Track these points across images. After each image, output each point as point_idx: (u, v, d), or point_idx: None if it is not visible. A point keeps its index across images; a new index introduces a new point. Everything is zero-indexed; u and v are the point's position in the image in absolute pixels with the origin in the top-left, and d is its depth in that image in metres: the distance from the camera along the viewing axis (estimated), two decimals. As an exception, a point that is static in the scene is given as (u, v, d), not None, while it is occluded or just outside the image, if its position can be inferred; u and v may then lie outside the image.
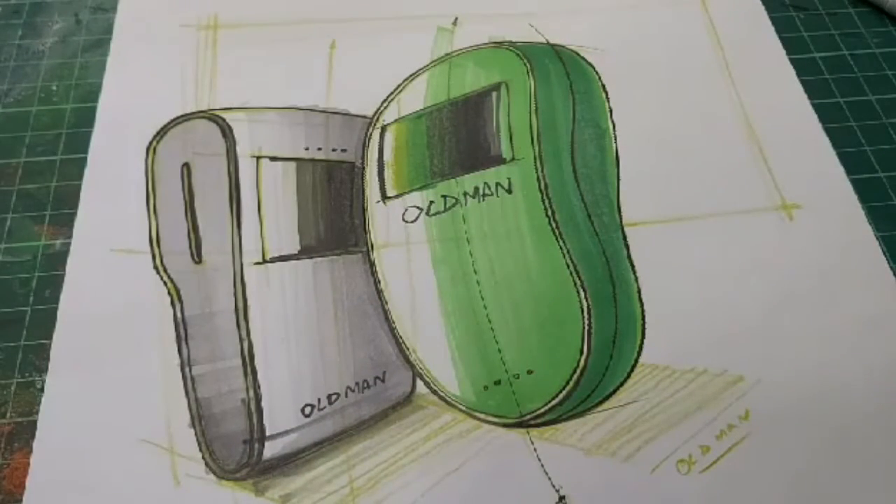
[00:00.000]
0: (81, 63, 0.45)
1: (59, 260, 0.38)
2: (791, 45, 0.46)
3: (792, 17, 0.48)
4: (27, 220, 0.39)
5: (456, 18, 0.46)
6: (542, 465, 0.32)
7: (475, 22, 0.46)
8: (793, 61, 0.45)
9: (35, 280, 0.37)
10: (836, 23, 0.48)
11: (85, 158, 0.40)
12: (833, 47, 0.47)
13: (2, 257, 0.38)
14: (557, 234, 0.37)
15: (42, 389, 0.34)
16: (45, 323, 0.36)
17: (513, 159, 0.38)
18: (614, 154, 0.41)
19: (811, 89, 0.44)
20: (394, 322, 0.36)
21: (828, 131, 0.42)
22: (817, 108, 0.43)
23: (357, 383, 0.35)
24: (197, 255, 0.36)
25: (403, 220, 0.39)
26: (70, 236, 0.38)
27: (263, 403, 0.34)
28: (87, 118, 0.42)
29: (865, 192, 0.40)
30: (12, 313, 0.37)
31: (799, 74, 0.44)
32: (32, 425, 0.33)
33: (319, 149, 0.40)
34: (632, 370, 0.35)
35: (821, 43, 0.47)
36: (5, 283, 0.38)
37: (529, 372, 0.35)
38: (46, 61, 0.46)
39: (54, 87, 0.44)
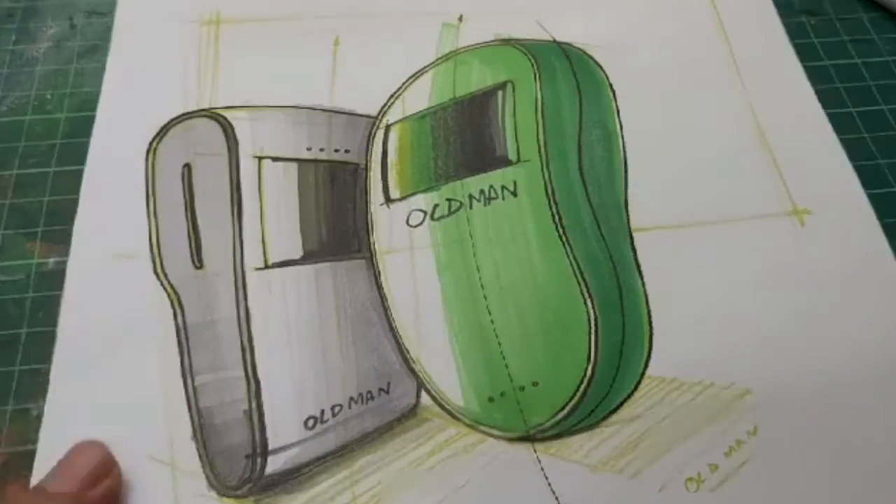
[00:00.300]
0: (76, 70, 0.44)
1: (53, 279, 0.36)
2: (802, 52, 0.45)
3: (803, 22, 0.47)
4: (20, 236, 0.38)
5: (461, 15, 0.45)
6: (549, 482, 0.32)
7: (481, 18, 0.45)
8: (803, 69, 0.44)
9: (29, 301, 0.36)
10: (847, 28, 0.47)
11: (80, 170, 0.39)
12: (844, 55, 0.46)
13: (-6, 276, 0.37)
14: (564, 238, 0.36)
15: (38, 417, 0.33)
16: (41, 346, 0.35)
17: (518, 161, 0.38)
18: (622, 156, 0.40)
19: (822, 98, 0.43)
20: (397, 330, 0.36)
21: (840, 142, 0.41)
22: (829, 119, 0.42)
23: (360, 394, 0.34)
24: (198, 260, 0.36)
25: (407, 223, 0.38)
26: (65, 254, 0.37)
27: (266, 415, 0.33)
28: (81, 128, 0.41)
29: (880, 206, 0.39)
30: (6, 336, 0.35)
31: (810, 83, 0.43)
32: (28, 455, 0.32)
33: (322, 149, 0.39)
34: (639, 382, 0.35)
35: (832, 50, 0.46)
36: (-2, 304, 0.36)
37: (535, 384, 0.34)
38: (40, 68, 0.44)
39: (48, 96, 0.43)
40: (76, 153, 0.40)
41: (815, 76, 0.44)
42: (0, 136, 0.42)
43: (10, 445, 0.33)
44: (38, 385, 0.34)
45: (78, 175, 0.39)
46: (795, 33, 0.46)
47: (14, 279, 0.37)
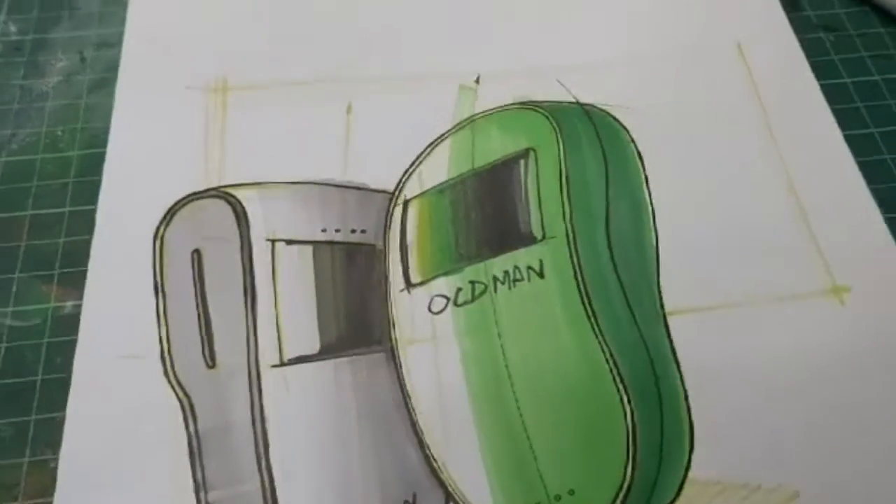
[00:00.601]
0: (87, 104, 0.43)
1: (70, 324, 0.35)
2: (819, 70, 0.43)
3: (821, 38, 0.46)
4: (35, 279, 0.37)
5: (478, 76, 0.43)
6: None
7: (499, 79, 0.43)
8: (822, 87, 0.43)
9: (45, 346, 0.35)
10: (867, 44, 0.45)
11: (93, 210, 0.38)
12: (864, 72, 0.44)
13: (10, 321, 0.36)
14: (595, 326, 0.34)
15: (56, 469, 0.32)
16: (58, 393, 0.33)
17: (544, 238, 0.36)
18: (653, 230, 0.38)
19: (841, 118, 0.41)
20: (422, 434, 0.34)
21: (860, 165, 0.40)
22: (848, 139, 0.41)
23: (385, 510, 0.32)
24: (210, 358, 0.34)
25: (430, 310, 0.36)
26: (80, 298, 0.36)
27: (284, 538, 0.31)
28: (93, 166, 0.40)
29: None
30: (21, 384, 0.34)
31: (829, 102, 0.42)
32: (48, 509, 0.31)
33: (338, 230, 0.37)
34: (682, 485, 0.32)
35: (851, 67, 0.44)
36: (14, 350, 0.35)
37: (571, 492, 0.32)
38: (51, 103, 0.43)
39: (59, 132, 0.42)
40: (90, 193, 0.39)
41: (835, 94, 0.43)
42: (12, 176, 0.40)
43: (29, 498, 0.32)
44: (54, 434, 0.33)
45: (91, 216, 0.38)
46: (813, 50, 0.44)
47: (30, 324, 0.36)
